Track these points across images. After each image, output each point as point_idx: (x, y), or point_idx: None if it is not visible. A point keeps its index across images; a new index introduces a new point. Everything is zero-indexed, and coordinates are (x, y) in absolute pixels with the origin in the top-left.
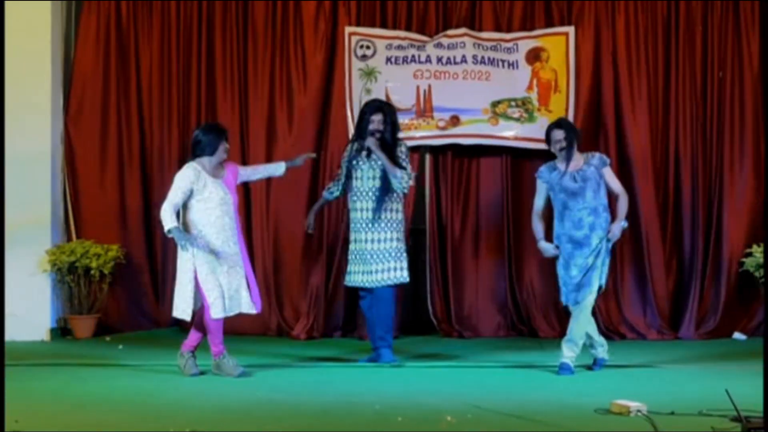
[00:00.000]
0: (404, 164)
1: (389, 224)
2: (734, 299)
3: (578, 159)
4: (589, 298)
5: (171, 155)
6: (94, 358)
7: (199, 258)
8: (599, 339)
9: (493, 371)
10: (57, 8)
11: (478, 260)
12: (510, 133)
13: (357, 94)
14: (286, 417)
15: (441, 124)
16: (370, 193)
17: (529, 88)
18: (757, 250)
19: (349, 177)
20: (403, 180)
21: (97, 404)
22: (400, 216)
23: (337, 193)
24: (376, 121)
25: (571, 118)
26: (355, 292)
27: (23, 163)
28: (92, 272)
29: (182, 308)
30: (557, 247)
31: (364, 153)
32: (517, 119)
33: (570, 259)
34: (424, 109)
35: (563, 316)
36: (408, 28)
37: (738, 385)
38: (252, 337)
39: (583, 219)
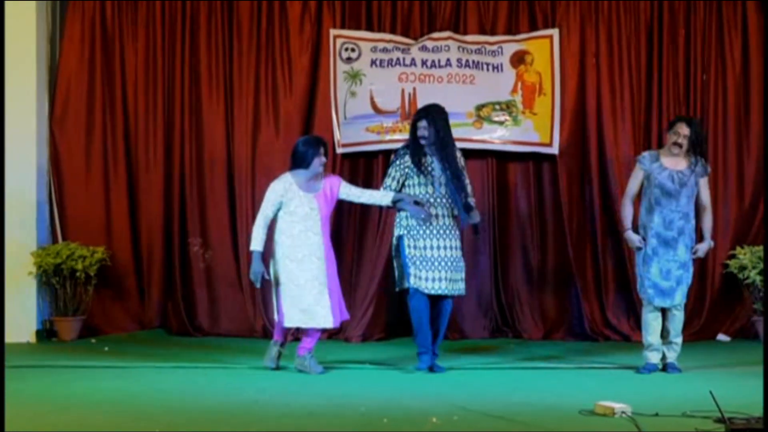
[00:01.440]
0: (467, 178)
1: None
2: (718, 301)
3: (683, 160)
4: (679, 308)
5: (156, 156)
6: (80, 359)
7: (278, 266)
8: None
9: (478, 373)
10: (42, 9)
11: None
12: (494, 136)
13: (342, 96)
14: (272, 418)
15: None
16: (445, 200)
17: (514, 91)
18: (741, 252)
19: (403, 184)
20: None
21: (82, 405)
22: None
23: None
24: (421, 127)
25: (556, 120)
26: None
27: (8, 165)
28: (78, 274)
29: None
30: (643, 239)
31: (427, 159)
32: (502, 123)
33: (654, 256)
34: (409, 113)
35: (547, 317)
36: (392, 30)
37: (722, 386)
38: (237, 338)
39: (675, 221)
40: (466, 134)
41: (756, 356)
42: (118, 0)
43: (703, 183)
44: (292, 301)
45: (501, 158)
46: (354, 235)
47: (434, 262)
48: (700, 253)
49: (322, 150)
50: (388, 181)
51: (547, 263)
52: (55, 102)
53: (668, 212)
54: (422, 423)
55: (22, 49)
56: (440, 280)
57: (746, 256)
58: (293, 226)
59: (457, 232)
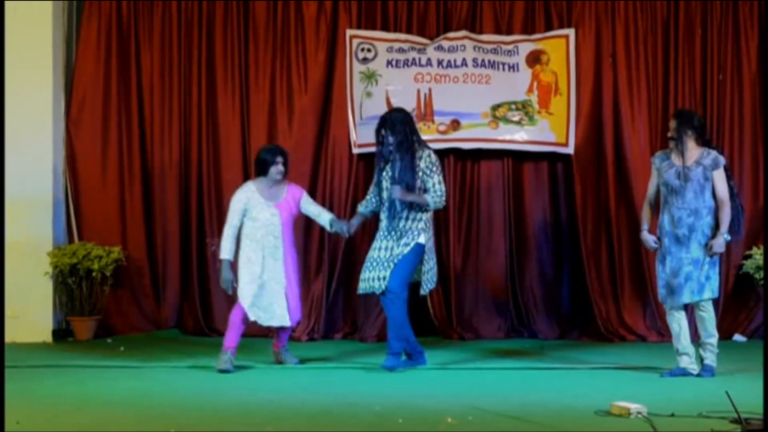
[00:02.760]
0: (434, 175)
1: (405, 232)
2: (734, 301)
3: (692, 154)
4: (706, 304)
5: (172, 157)
6: (96, 359)
7: (242, 268)
8: (689, 347)
9: (493, 373)
10: (58, 10)
11: (478, 262)
12: (510, 136)
13: (358, 97)
14: (287, 418)
15: (441, 128)
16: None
17: (530, 90)
18: (757, 252)
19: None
20: (437, 202)
21: (98, 405)
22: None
23: (370, 207)
24: (381, 136)
25: (572, 120)
26: (353, 294)
27: (25, 165)
28: (94, 274)
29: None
30: (658, 239)
31: (389, 165)
32: (518, 122)
33: (667, 254)
34: (425, 113)
35: (563, 318)
36: (408, 30)
37: (738, 387)
38: (253, 338)
39: (683, 219)
40: (482, 134)
41: None
42: (134, 0)
43: (717, 175)
44: (253, 300)
45: (517, 158)
46: (366, 238)
47: (369, 261)
48: (716, 248)
49: (279, 159)
50: (371, 188)
51: (562, 263)
52: (72, 102)
53: (675, 210)
54: (437, 423)
55: (38, 49)
56: (363, 280)
57: (762, 256)
58: (256, 231)
59: (400, 233)
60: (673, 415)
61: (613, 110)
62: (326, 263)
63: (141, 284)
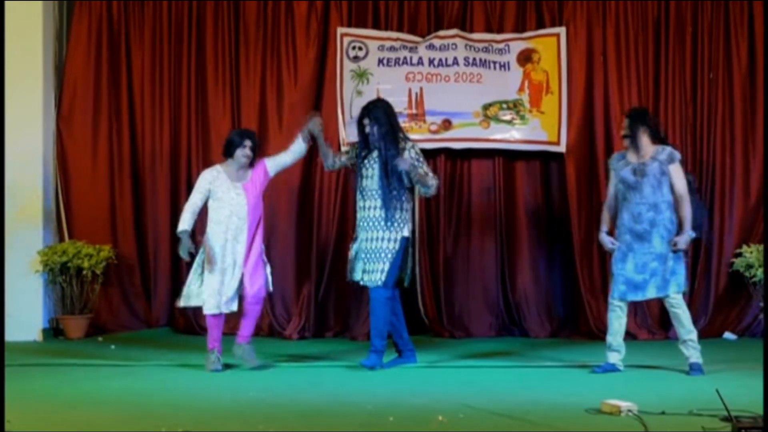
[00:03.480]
0: (424, 165)
1: (392, 223)
2: (724, 299)
3: (648, 150)
4: (672, 295)
5: (162, 155)
6: (87, 358)
7: (205, 257)
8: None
9: (484, 371)
10: (49, 9)
11: (469, 261)
12: (501, 135)
13: (348, 95)
14: (278, 417)
15: (433, 128)
16: (377, 194)
17: (521, 89)
18: (747, 251)
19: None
20: (436, 187)
21: (89, 404)
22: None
23: (332, 161)
24: (366, 125)
25: (564, 119)
26: (344, 293)
27: (15, 164)
28: (84, 272)
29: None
30: (614, 242)
31: (372, 154)
32: (509, 122)
33: (629, 252)
34: (416, 113)
35: (554, 316)
36: (399, 29)
37: (728, 385)
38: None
39: (643, 214)
40: (474, 134)
41: (762, 354)
42: (125, 0)
43: (673, 170)
44: (214, 289)
45: (508, 157)
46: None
47: (358, 253)
48: (681, 245)
49: (247, 143)
50: (346, 155)
51: (553, 262)
52: (62, 101)
53: (634, 205)
54: (429, 421)
55: (29, 48)
56: (355, 270)
57: (753, 254)
58: (221, 211)
59: (389, 224)
60: (663, 413)
61: (604, 109)
62: (316, 261)
63: (132, 282)
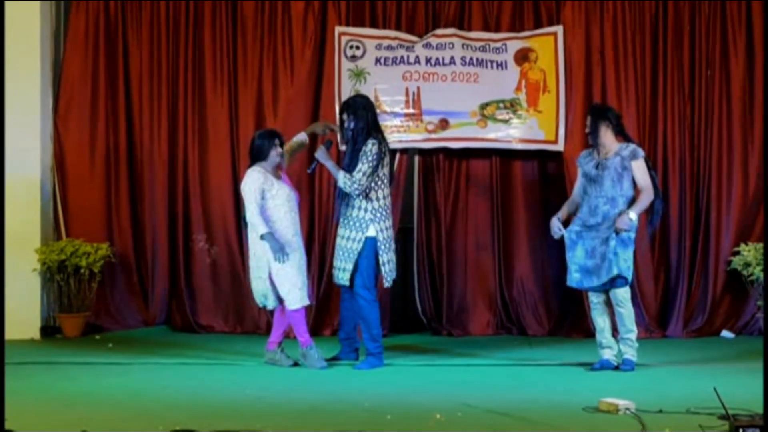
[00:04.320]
0: (361, 164)
1: (355, 222)
2: (722, 298)
3: (612, 147)
4: (618, 292)
5: (160, 154)
6: (84, 356)
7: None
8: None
9: (482, 369)
10: (46, 8)
11: (467, 259)
12: (499, 135)
13: (346, 94)
14: (276, 415)
15: (430, 127)
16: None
17: (518, 89)
18: (745, 249)
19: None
20: (345, 183)
21: (86, 403)
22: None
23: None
24: (344, 120)
25: (561, 118)
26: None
27: (12, 162)
28: (82, 271)
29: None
30: (561, 229)
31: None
32: (506, 121)
33: (578, 239)
34: (414, 112)
35: (552, 314)
36: (397, 28)
37: (726, 383)
38: (241, 335)
39: (599, 207)
40: (471, 133)
41: (760, 353)
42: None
43: (636, 165)
44: (294, 282)
45: (506, 157)
46: None
47: (336, 249)
48: (620, 224)
49: (277, 141)
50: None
51: (551, 260)
52: (59, 99)
53: (593, 198)
54: (426, 419)
55: (26, 47)
56: (334, 268)
57: (750, 252)
58: (279, 209)
59: (348, 223)
60: (661, 411)
61: None
62: (316, 259)
63: (129, 281)
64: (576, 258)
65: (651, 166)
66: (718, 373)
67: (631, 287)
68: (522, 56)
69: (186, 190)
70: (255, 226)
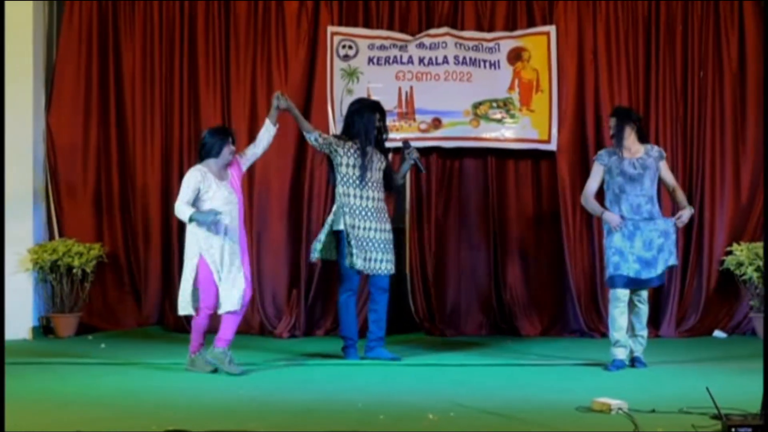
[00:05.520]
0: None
1: (386, 215)
2: (715, 297)
3: (637, 147)
4: (648, 289)
5: (153, 154)
6: (77, 356)
7: (204, 257)
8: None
9: (475, 369)
10: (39, 8)
11: (460, 260)
12: (492, 134)
13: (339, 94)
14: (269, 415)
15: (423, 126)
16: (378, 184)
17: (511, 88)
18: (738, 249)
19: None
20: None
21: (79, 402)
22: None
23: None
24: (377, 119)
25: (554, 117)
26: (334, 291)
27: (5, 161)
28: (74, 271)
29: (183, 305)
30: (623, 217)
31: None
32: (499, 120)
33: (636, 230)
34: (407, 111)
35: (545, 315)
36: (390, 27)
37: (718, 382)
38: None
39: (642, 206)
40: (464, 133)
41: (753, 353)
42: (116, 0)
43: (663, 166)
44: (213, 292)
45: (499, 156)
46: None
47: (365, 242)
48: (684, 218)
49: (230, 139)
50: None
51: (545, 260)
52: (52, 100)
53: (634, 197)
54: (419, 419)
55: (19, 47)
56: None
57: (743, 252)
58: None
59: (383, 215)
60: (653, 411)
61: (594, 107)
62: (306, 260)
63: (122, 281)
64: (635, 249)
65: (676, 167)
66: (710, 372)
67: None
68: (515, 56)
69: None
70: (181, 214)
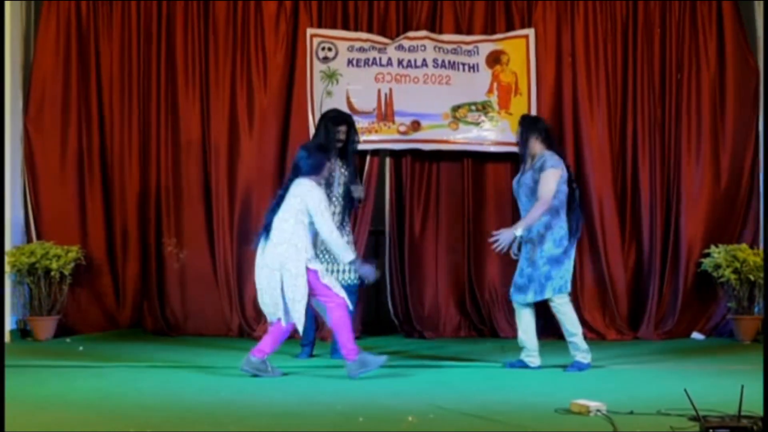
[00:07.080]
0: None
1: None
2: (692, 299)
3: (536, 158)
4: (556, 308)
5: (131, 156)
6: (55, 359)
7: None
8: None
9: (454, 371)
10: (16, 9)
11: (438, 261)
12: (470, 137)
13: (318, 96)
14: (248, 417)
15: (402, 129)
16: (341, 198)
17: (490, 91)
18: (715, 251)
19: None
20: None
21: (57, 405)
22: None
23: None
24: (341, 131)
25: None
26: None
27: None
28: (52, 273)
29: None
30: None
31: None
32: (478, 123)
33: (522, 255)
34: (386, 114)
35: None
36: (369, 30)
37: (696, 384)
38: (213, 337)
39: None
40: (443, 135)
41: (730, 354)
42: (94, 0)
43: (544, 176)
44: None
45: (477, 159)
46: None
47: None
48: (498, 241)
49: (329, 156)
50: None
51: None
52: (30, 101)
53: (521, 213)
54: (399, 421)
55: None
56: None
57: (720, 255)
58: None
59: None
60: (632, 412)
61: (573, 110)
62: None
63: (100, 283)
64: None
65: (573, 179)
66: (688, 374)
67: (603, 288)
68: (494, 59)
69: (158, 193)
70: (343, 252)
